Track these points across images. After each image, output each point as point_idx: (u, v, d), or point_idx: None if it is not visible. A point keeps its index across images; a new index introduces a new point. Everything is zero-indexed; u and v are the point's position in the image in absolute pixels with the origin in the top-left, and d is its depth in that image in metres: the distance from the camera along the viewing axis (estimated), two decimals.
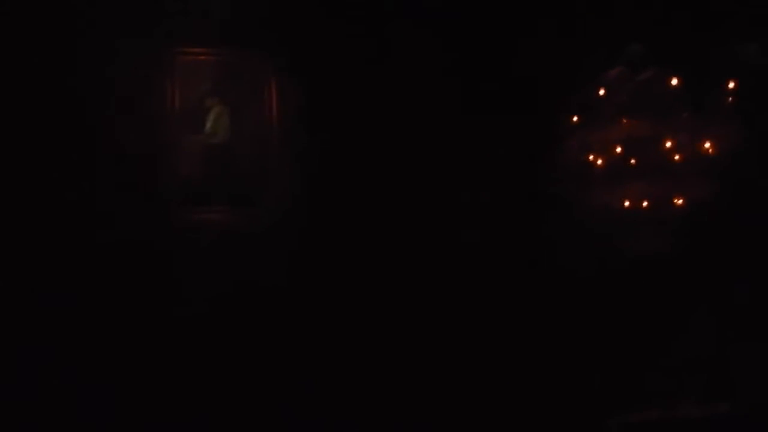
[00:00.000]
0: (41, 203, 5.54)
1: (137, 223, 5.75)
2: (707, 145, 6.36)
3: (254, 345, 5.93)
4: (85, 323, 5.57)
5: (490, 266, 6.41)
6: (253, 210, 6.09)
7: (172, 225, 5.88)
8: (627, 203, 6.43)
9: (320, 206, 6.20)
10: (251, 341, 5.93)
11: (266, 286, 5.99)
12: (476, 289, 6.36)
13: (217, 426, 5.72)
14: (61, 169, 5.61)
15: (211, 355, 5.82)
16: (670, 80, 6.44)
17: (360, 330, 6.12)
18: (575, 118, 6.56)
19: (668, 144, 6.41)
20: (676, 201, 6.42)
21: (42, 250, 5.54)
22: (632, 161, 6.42)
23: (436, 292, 6.28)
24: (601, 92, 6.56)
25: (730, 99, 6.37)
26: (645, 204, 6.41)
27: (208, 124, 6.02)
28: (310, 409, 5.84)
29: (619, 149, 6.46)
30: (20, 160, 5.54)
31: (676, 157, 6.40)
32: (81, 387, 5.48)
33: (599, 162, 6.48)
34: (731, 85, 6.37)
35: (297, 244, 6.13)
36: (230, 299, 5.92)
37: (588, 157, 6.52)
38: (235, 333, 5.92)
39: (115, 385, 5.54)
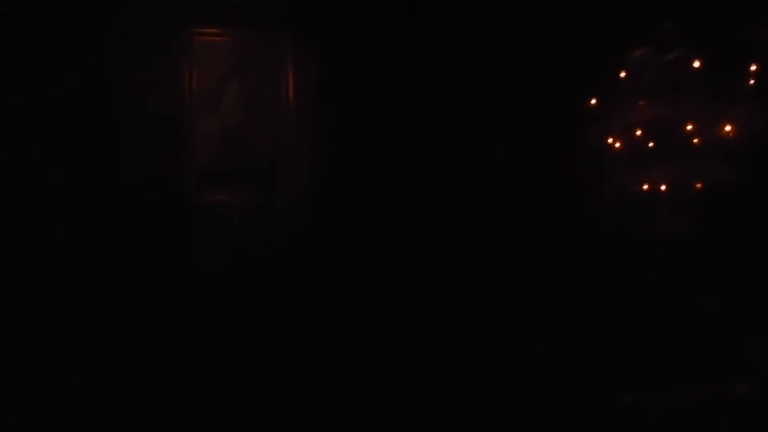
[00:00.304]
0: (59, 182, 5.64)
1: (154, 203, 5.84)
2: (728, 128, 6.29)
3: (270, 321, 6.00)
4: (105, 299, 5.68)
5: (504, 247, 6.41)
6: (269, 190, 6.15)
7: (189, 205, 5.96)
8: (646, 186, 6.40)
9: (336, 187, 6.24)
10: (267, 316, 6.00)
11: (281, 265, 6.05)
12: (492, 272, 6.36)
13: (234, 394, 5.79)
14: (79, 153, 5.72)
15: (226, 331, 5.89)
16: (694, 62, 6.37)
17: (376, 309, 6.14)
18: (594, 101, 6.50)
19: (689, 127, 6.35)
20: (695, 184, 6.37)
21: (64, 229, 5.65)
22: (653, 144, 6.38)
23: (451, 274, 6.29)
24: (625, 74, 6.52)
25: (752, 82, 6.27)
26: (664, 187, 6.37)
27: (225, 105, 6.08)
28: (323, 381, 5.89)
29: (639, 132, 6.42)
30: (41, 143, 5.66)
31: (697, 140, 6.35)
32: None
33: (619, 144, 6.44)
34: (753, 68, 6.27)
35: (313, 224, 6.17)
36: (245, 279, 5.99)
37: (608, 140, 6.49)
38: (251, 308, 6.00)
39: (131, 358, 5.65)
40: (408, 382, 5.97)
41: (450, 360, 6.12)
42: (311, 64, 6.21)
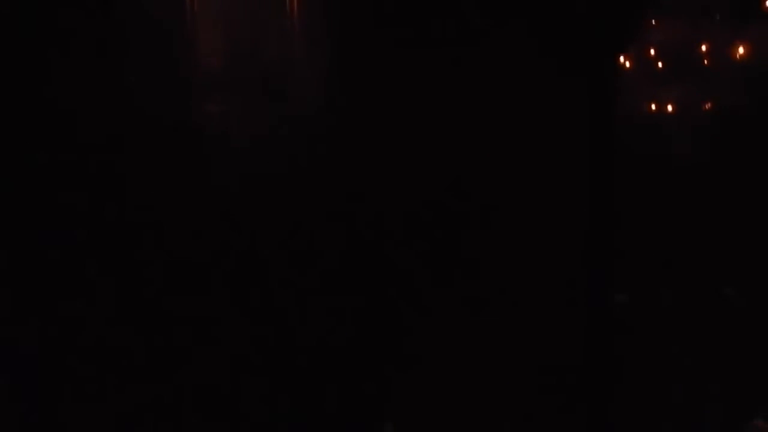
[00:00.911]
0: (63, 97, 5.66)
1: (162, 114, 5.81)
2: (742, 50, 6.16)
3: (276, 234, 6.00)
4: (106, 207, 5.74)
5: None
6: (276, 103, 6.10)
7: (197, 115, 5.98)
8: (654, 107, 6.32)
9: (343, 102, 6.13)
10: (273, 230, 6.01)
11: (286, 178, 6.05)
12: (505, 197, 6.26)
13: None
14: (87, 59, 5.68)
15: (231, 246, 5.93)
16: None
17: (385, 224, 6.10)
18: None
19: (704, 47, 6.23)
20: (706, 106, 6.29)
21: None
22: (666, 63, 6.27)
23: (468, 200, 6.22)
24: None
25: None
26: (674, 108, 6.29)
27: (231, 14, 6.00)
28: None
29: (653, 51, 6.31)
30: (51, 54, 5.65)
31: (711, 61, 6.23)
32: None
33: (630, 64, 6.33)
34: None
35: (319, 138, 6.13)
36: (249, 189, 6.01)
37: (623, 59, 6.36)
38: (257, 220, 6.00)
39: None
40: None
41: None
42: None
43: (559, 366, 5.77)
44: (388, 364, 5.78)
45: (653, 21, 6.25)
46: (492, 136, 6.09)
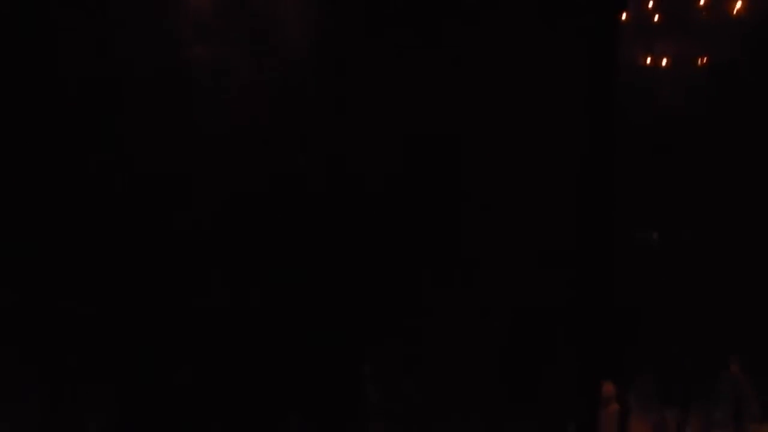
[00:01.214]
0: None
1: (149, 60, 5.87)
2: (739, 4, 6.15)
3: (260, 188, 6.13)
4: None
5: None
6: (267, 57, 6.12)
7: (187, 64, 5.96)
8: (649, 60, 6.37)
9: (335, 58, 6.12)
10: (258, 183, 6.13)
11: (273, 132, 6.12)
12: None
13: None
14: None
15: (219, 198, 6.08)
16: None
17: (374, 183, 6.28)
18: None
19: (702, 1, 6.22)
20: (700, 60, 6.34)
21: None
22: (661, 17, 6.28)
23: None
24: None
25: None
26: (668, 62, 6.34)
27: None
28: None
29: (651, 3, 6.30)
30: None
31: (707, 15, 6.24)
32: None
33: (625, 17, 6.31)
34: None
35: (306, 95, 6.12)
36: (234, 140, 6.08)
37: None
38: (243, 172, 6.13)
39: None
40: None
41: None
42: None
43: (561, 354, 6.04)
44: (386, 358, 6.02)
45: None
46: (491, 100, 6.14)
